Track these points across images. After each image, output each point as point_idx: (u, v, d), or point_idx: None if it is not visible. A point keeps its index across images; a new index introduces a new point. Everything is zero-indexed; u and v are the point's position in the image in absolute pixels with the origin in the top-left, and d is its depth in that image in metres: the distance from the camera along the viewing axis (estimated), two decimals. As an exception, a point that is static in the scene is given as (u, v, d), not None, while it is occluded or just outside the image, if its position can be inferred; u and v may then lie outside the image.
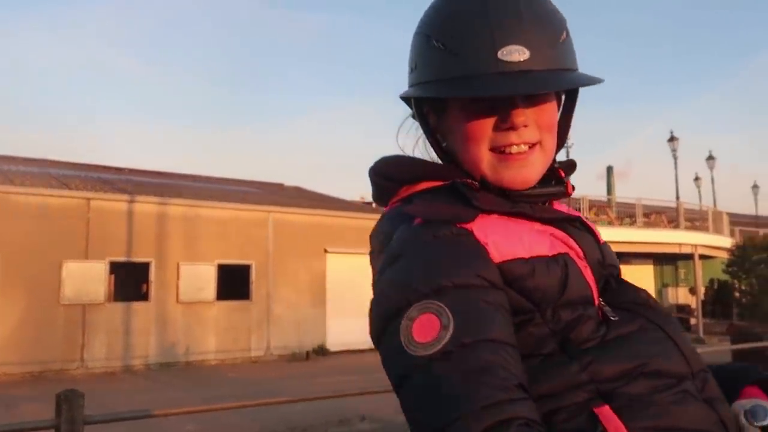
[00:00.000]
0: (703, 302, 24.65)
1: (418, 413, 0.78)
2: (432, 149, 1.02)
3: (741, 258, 23.38)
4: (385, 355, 0.84)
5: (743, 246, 24.17)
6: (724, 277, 24.50)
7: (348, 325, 17.00)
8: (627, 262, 27.32)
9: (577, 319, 0.86)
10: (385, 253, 0.90)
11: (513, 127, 0.91)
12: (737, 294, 24.44)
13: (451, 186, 0.93)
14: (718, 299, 25.01)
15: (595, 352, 0.84)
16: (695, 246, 25.63)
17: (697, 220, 28.89)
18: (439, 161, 1.02)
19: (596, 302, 0.90)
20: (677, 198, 28.00)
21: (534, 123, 0.93)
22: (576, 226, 0.97)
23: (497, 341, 0.78)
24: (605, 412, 0.79)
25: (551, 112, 0.96)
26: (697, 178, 36.00)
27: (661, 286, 30.41)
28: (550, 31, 0.92)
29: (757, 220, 34.68)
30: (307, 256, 18.17)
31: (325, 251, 18.46)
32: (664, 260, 29.53)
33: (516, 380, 0.75)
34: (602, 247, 1.00)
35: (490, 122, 0.92)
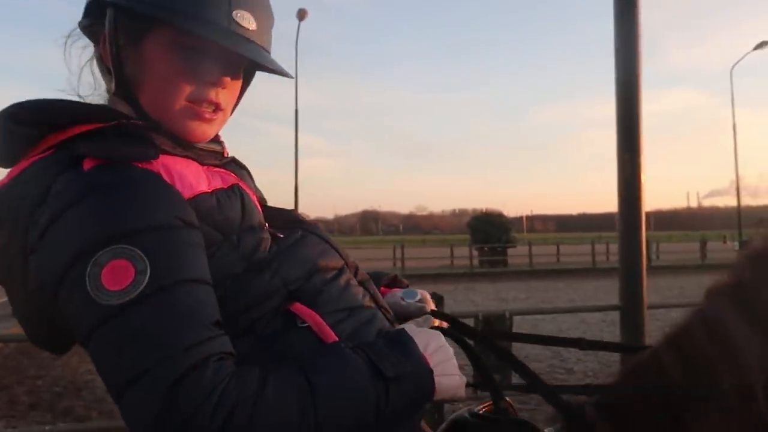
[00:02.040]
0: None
1: (110, 365, 0.74)
2: (109, 73, 0.96)
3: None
4: (67, 311, 0.78)
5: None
6: None
7: None
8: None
9: (258, 241, 0.92)
10: (51, 205, 0.79)
11: (216, 84, 0.94)
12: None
13: (117, 126, 0.87)
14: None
15: (277, 262, 0.92)
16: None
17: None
18: (108, 92, 0.98)
19: (265, 225, 0.97)
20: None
21: (228, 89, 0.97)
22: (233, 168, 1.03)
23: (195, 281, 0.79)
24: (299, 307, 0.90)
25: (239, 85, 1.02)
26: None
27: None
28: (269, 18, 1.01)
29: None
30: None
31: None
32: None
33: (213, 318, 0.78)
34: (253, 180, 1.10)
35: (197, 71, 0.92)
